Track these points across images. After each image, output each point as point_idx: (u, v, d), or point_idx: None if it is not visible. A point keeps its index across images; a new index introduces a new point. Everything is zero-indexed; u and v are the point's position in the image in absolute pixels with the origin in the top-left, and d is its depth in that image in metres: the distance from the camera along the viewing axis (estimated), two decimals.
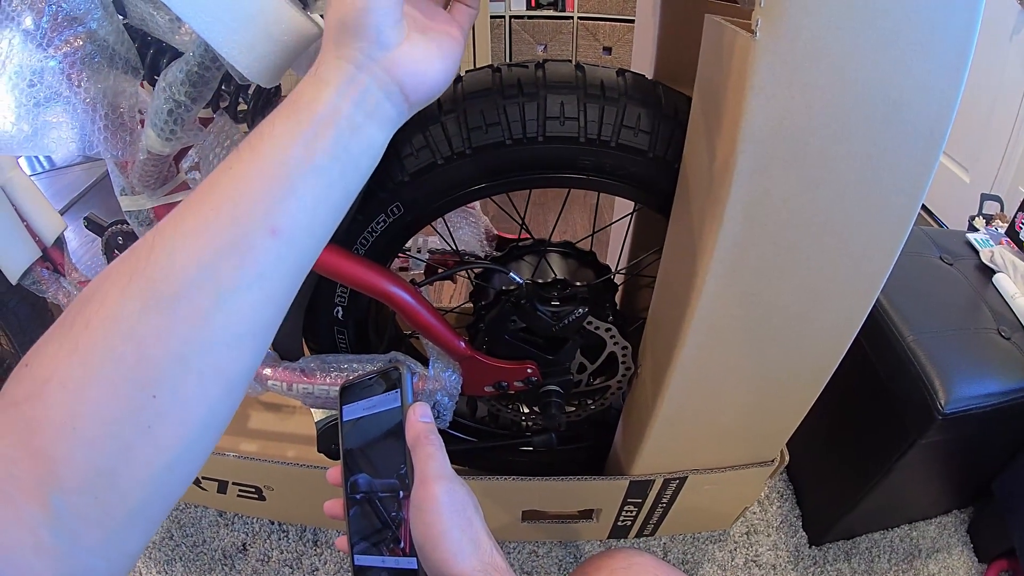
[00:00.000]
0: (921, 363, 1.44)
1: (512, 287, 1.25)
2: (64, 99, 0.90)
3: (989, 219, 2.08)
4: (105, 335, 0.53)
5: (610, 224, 1.96)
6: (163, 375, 0.54)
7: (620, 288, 1.55)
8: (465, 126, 1.03)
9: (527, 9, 4.54)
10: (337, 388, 1.01)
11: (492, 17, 4.42)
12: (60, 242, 1.55)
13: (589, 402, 1.46)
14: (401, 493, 0.86)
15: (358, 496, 0.91)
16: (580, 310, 1.22)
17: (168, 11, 0.87)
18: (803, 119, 0.79)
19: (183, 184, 1.23)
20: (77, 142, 0.94)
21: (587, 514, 1.72)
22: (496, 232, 1.63)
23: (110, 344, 0.53)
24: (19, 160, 1.53)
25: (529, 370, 1.30)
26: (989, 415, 1.40)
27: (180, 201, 0.60)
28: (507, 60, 4.45)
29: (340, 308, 1.24)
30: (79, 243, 3.14)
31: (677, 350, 1.12)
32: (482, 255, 1.58)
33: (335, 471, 0.95)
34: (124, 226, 1.59)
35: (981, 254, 1.77)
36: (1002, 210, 2.16)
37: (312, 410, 1.35)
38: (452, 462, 0.87)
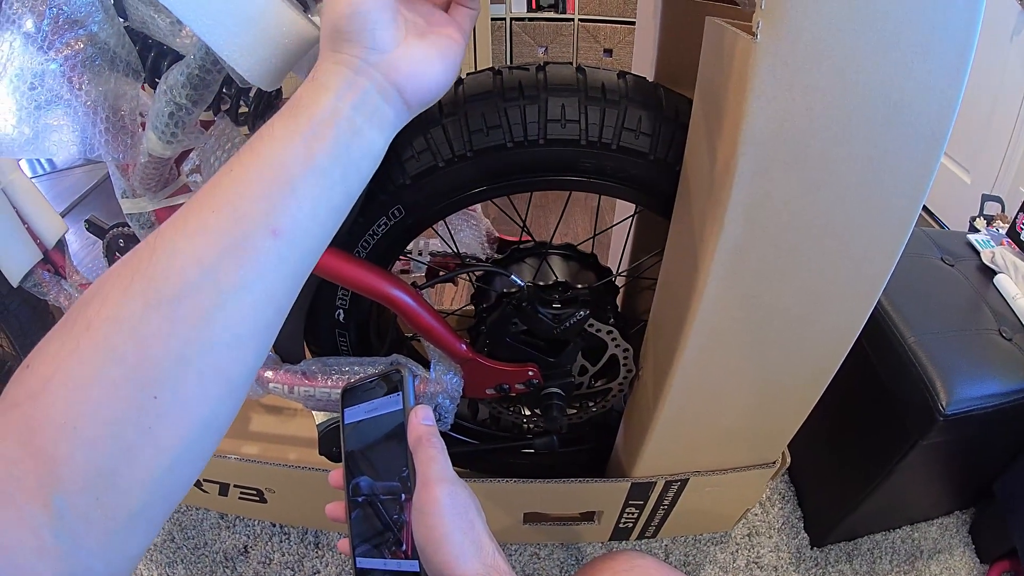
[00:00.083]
0: (922, 364, 1.44)
1: (513, 289, 1.25)
2: (65, 102, 0.90)
3: (990, 220, 2.08)
4: (106, 335, 0.53)
5: (611, 226, 1.96)
6: (164, 375, 0.54)
7: (621, 290, 1.55)
8: (466, 129, 1.03)
9: (528, 11, 4.54)
10: (338, 391, 1.01)
11: (493, 19, 4.42)
12: (61, 244, 1.56)
13: (590, 404, 1.46)
14: (403, 496, 0.86)
15: (360, 499, 0.91)
16: (581, 312, 1.22)
17: (169, 14, 0.87)
18: (804, 121, 0.79)
19: (184, 187, 1.23)
20: (78, 145, 0.94)
21: (589, 516, 1.72)
22: (497, 234, 1.63)
23: (111, 344, 0.53)
24: (20, 162, 1.53)
25: (530, 372, 1.29)
26: (990, 416, 1.40)
27: (181, 204, 0.60)
28: (508, 62, 4.48)
29: (341, 311, 1.24)
30: (80, 245, 3.14)
31: (678, 352, 1.12)
32: (483, 257, 1.58)
33: (337, 474, 0.95)
34: (125, 229, 1.59)
35: (982, 255, 1.77)
36: (1003, 211, 2.16)
37: (313, 413, 1.35)
38: (453, 464, 0.87)
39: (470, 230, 1.58)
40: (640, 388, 1.41)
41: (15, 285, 1.48)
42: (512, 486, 1.53)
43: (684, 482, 1.52)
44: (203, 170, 1.09)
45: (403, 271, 1.67)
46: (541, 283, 1.28)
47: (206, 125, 1.06)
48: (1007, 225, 1.87)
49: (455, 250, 1.53)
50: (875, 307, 1.04)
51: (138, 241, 0.60)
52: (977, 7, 0.69)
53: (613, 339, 1.29)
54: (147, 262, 0.55)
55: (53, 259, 1.53)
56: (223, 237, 0.57)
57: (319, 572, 1.77)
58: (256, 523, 1.87)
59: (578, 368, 1.36)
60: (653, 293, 1.28)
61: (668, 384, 1.18)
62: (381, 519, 0.88)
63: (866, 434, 1.63)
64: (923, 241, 1.83)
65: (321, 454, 1.32)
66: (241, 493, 1.72)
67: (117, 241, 1.61)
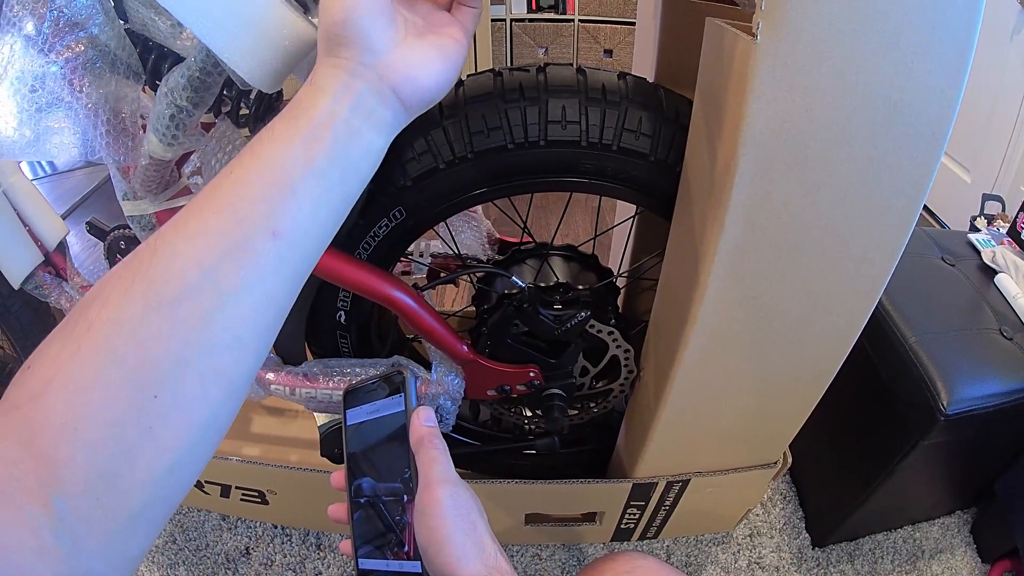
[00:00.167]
0: (923, 364, 1.44)
1: (514, 291, 1.25)
2: (66, 104, 0.91)
3: (991, 219, 2.08)
4: (107, 337, 0.53)
5: (612, 227, 1.96)
6: (165, 377, 0.54)
7: (622, 291, 1.55)
8: (467, 130, 1.03)
9: (528, 12, 4.54)
10: (340, 392, 1.01)
11: (493, 20, 4.42)
12: (62, 247, 1.56)
13: (592, 405, 1.46)
14: (405, 497, 0.86)
15: (362, 500, 0.91)
16: (582, 314, 1.22)
17: (170, 16, 0.87)
18: (804, 122, 0.79)
19: (185, 189, 1.24)
20: (79, 147, 0.94)
21: (590, 517, 1.72)
22: (498, 236, 1.63)
23: (112, 346, 0.53)
24: (21, 165, 1.53)
25: (532, 374, 1.30)
26: (991, 416, 1.40)
27: (183, 206, 0.60)
28: (508, 63, 4.48)
29: (343, 312, 1.24)
30: (81, 247, 3.14)
31: (679, 353, 1.12)
32: (484, 259, 1.58)
33: (339, 475, 0.96)
34: (126, 231, 1.59)
35: (983, 254, 1.77)
36: (1003, 210, 2.16)
37: (315, 414, 1.35)
38: (455, 465, 0.87)
39: (471, 231, 1.59)
40: (641, 389, 1.41)
41: (16, 287, 1.48)
42: (514, 487, 1.53)
43: (685, 483, 1.52)
44: (204, 172, 1.09)
45: (404, 273, 1.68)
46: (542, 284, 1.28)
47: (207, 127, 1.07)
48: (1008, 224, 1.87)
49: (456, 251, 1.53)
50: (876, 307, 1.04)
51: (139, 243, 0.60)
52: (977, 7, 0.69)
53: (614, 340, 1.29)
54: (147, 264, 0.56)
55: (54, 261, 1.53)
56: (223, 239, 0.57)
57: (321, 573, 1.77)
58: (258, 524, 1.87)
59: (579, 369, 1.36)
60: (654, 294, 1.28)
61: (669, 385, 1.19)
62: (383, 520, 0.89)
63: (867, 434, 1.63)
64: (924, 241, 1.83)
65: (323, 456, 1.32)
66: (243, 495, 1.72)
67: (118, 243, 1.61)
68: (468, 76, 1.07)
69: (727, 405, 1.26)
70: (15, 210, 1.41)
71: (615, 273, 1.39)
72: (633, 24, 4.30)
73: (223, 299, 0.57)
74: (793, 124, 0.79)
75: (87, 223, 1.65)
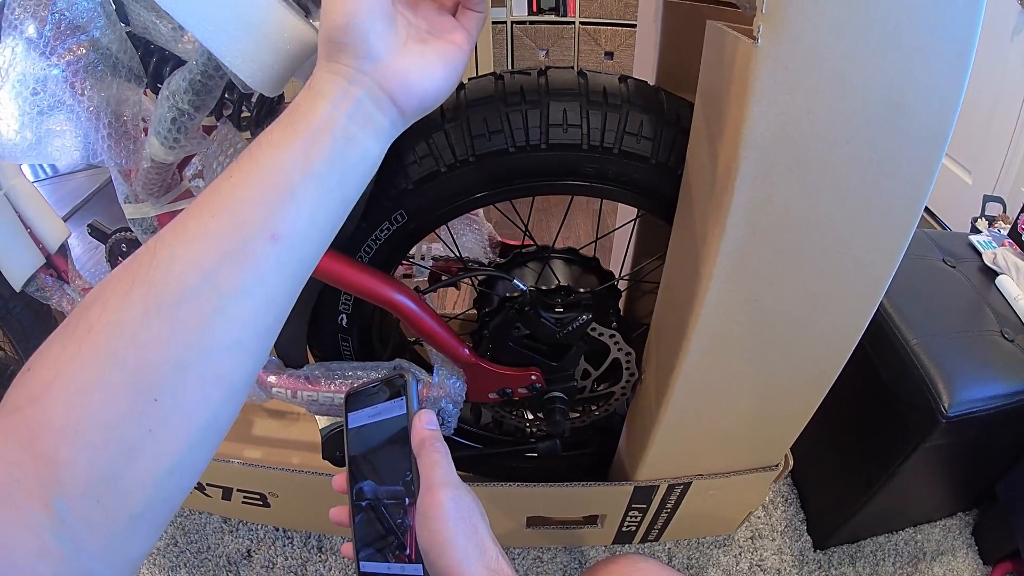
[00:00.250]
0: (924, 366, 1.44)
1: (516, 294, 1.25)
2: (67, 107, 0.91)
3: (991, 221, 2.08)
4: (107, 339, 0.53)
5: (613, 230, 1.96)
6: (165, 379, 0.55)
7: (623, 294, 1.55)
8: (468, 134, 1.03)
9: (529, 14, 4.55)
10: (341, 395, 1.01)
11: (494, 22, 4.44)
12: (64, 249, 1.56)
13: (593, 408, 1.46)
14: (407, 500, 0.86)
15: (364, 503, 0.91)
16: (584, 316, 1.22)
17: (171, 20, 0.87)
18: (805, 124, 0.79)
19: (187, 192, 1.24)
20: (81, 150, 0.94)
21: (592, 520, 1.72)
22: (499, 239, 1.63)
23: (112, 348, 0.53)
24: (22, 167, 1.53)
25: (533, 377, 1.30)
26: (993, 417, 1.40)
27: (184, 209, 0.60)
28: (509, 65, 4.48)
29: (344, 315, 1.24)
30: (83, 250, 3.14)
31: (681, 356, 1.12)
32: (486, 262, 1.58)
33: (341, 478, 0.96)
34: (128, 233, 1.59)
35: (984, 256, 1.77)
36: (1004, 211, 2.16)
37: (316, 417, 1.35)
38: (456, 468, 0.87)
39: (472, 234, 1.59)
40: (643, 392, 1.41)
41: (18, 290, 1.48)
42: (515, 490, 1.53)
43: (687, 485, 1.52)
44: (205, 175, 1.09)
45: (406, 275, 1.68)
46: (544, 287, 1.28)
47: (208, 130, 1.07)
48: (1008, 226, 1.87)
49: (457, 254, 1.54)
50: (877, 309, 1.04)
51: (141, 246, 0.60)
52: (977, 8, 0.69)
53: (616, 343, 1.29)
54: (147, 267, 0.56)
55: (56, 264, 1.53)
56: (223, 242, 0.57)
57: None
58: (259, 527, 1.87)
59: (581, 372, 1.36)
60: (655, 297, 1.28)
61: (671, 388, 1.19)
62: (385, 523, 0.89)
63: (868, 436, 1.63)
64: (925, 242, 1.83)
65: (324, 458, 1.32)
66: (244, 497, 1.72)
67: (120, 246, 1.61)
68: (469, 79, 1.07)
69: (729, 408, 1.26)
70: (17, 212, 1.41)
71: (616, 276, 1.39)
72: (634, 26, 4.30)
73: (223, 302, 0.57)
74: (794, 126, 0.79)
75: (89, 225, 1.65)
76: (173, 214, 1.21)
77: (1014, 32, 2.71)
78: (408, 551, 0.85)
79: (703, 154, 0.96)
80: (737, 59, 0.79)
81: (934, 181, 0.84)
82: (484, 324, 1.31)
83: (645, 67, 1.54)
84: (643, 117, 1.03)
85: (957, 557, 1.82)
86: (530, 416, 1.52)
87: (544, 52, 4.66)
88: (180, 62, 0.93)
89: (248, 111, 1.05)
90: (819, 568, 1.79)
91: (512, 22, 4.56)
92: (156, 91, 0.97)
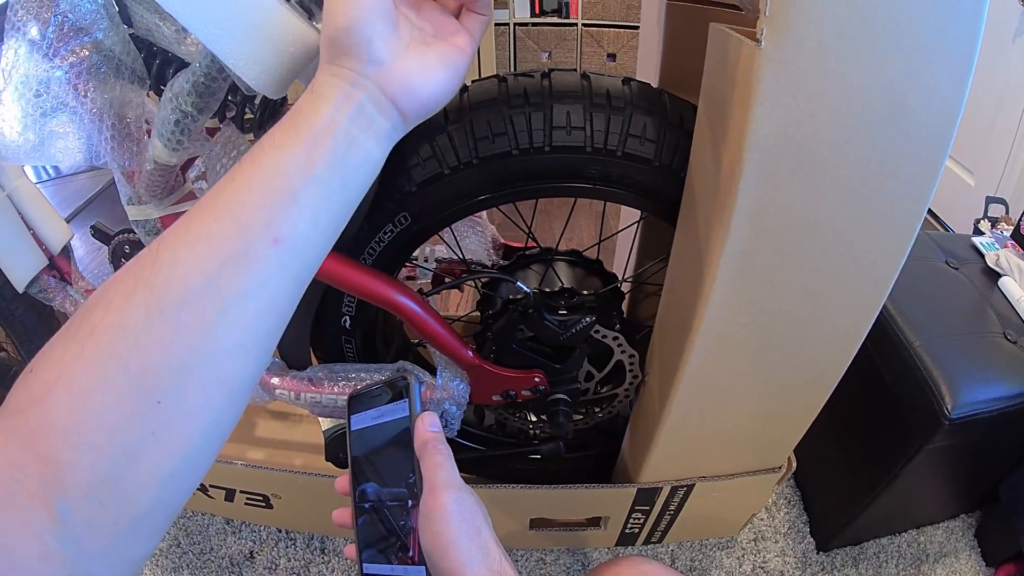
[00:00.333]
0: (927, 368, 1.44)
1: (519, 296, 1.25)
2: (70, 109, 0.91)
3: (994, 222, 2.08)
4: (110, 341, 0.53)
5: (616, 232, 1.96)
6: (168, 382, 0.55)
7: (626, 296, 1.55)
8: (471, 136, 1.03)
9: (531, 16, 4.55)
10: (344, 397, 1.01)
11: (496, 24, 4.44)
12: (67, 250, 1.56)
13: (596, 410, 1.46)
14: (410, 502, 0.86)
15: (367, 505, 0.91)
16: (587, 319, 1.22)
17: (174, 22, 0.87)
18: (808, 127, 0.79)
19: (190, 194, 1.24)
20: (83, 152, 0.94)
21: (595, 522, 1.72)
22: (503, 241, 1.63)
23: (115, 350, 0.53)
24: (25, 168, 1.54)
25: (537, 379, 1.30)
26: (996, 419, 1.40)
27: (187, 211, 0.61)
28: (512, 67, 4.48)
29: (347, 317, 1.24)
30: (85, 251, 3.14)
31: (684, 358, 1.12)
32: (489, 264, 1.58)
33: (343, 480, 0.96)
34: (131, 235, 1.59)
35: (987, 258, 1.77)
36: (1007, 213, 2.15)
37: (319, 419, 1.35)
38: (459, 470, 0.87)
39: (476, 236, 1.59)
40: (646, 394, 1.41)
41: (21, 291, 1.48)
42: (518, 492, 1.53)
43: (690, 487, 1.52)
44: (209, 177, 1.09)
45: (409, 277, 1.68)
46: (547, 290, 1.28)
47: (212, 132, 1.07)
48: (1011, 227, 1.87)
49: (461, 256, 1.54)
50: (880, 311, 1.04)
51: (143, 248, 0.60)
52: (980, 11, 0.69)
53: (619, 345, 1.29)
54: (149, 270, 0.56)
55: (58, 265, 1.53)
56: (225, 245, 0.57)
57: None
58: (262, 528, 1.87)
59: (584, 374, 1.36)
60: (658, 299, 1.28)
61: (674, 389, 1.19)
62: (387, 525, 0.89)
63: (871, 438, 1.63)
64: (927, 244, 1.83)
65: (327, 460, 1.32)
66: (247, 499, 1.72)
67: (123, 247, 1.61)
68: (473, 81, 1.07)
69: (732, 410, 1.26)
70: (20, 214, 1.42)
71: (620, 278, 1.39)
72: (636, 28, 4.30)
73: (225, 305, 0.57)
74: (798, 129, 0.79)
75: (92, 227, 1.65)
76: (176, 216, 1.21)
77: (1016, 33, 2.70)
78: (411, 553, 0.85)
79: (706, 156, 0.96)
80: (740, 62, 0.79)
81: (937, 183, 0.84)
82: (487, 326, 1.31)
83: (648, 69, 1.54)
84: (646, 119, 1.04)
85: (960, 559, 1.82)
86: (533, 418, 1.52)
87: (546, 54, 4.67)
88: (183, 64, 0.93)
89: (251, 113, 1.05)
90: (822, 570, 1.79)
91: (514, 24, 4.57)
92: (159, 93, 0.97)
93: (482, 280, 1.50)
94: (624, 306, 1.49)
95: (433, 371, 1.30)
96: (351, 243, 1.11)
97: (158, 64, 0.97)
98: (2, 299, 1.57)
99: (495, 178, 1.07)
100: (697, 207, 1.03)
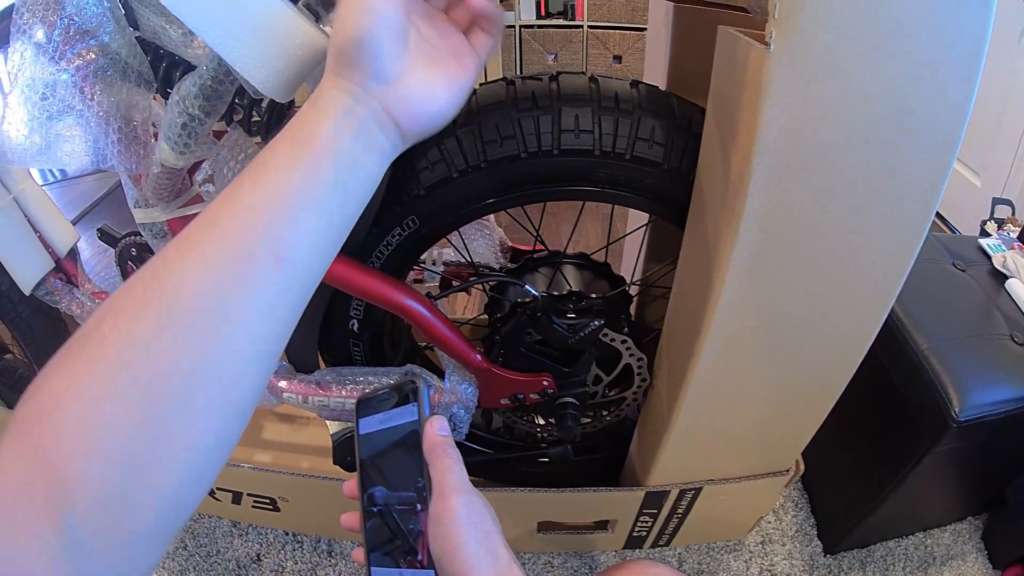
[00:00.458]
0: (935, 370, 1.43)
1: (527, 299, 1.25)
2: (77, 112, 0.91)
3: (1001, 224, 2.08)
4: (119, 351, 0.54)
5: (625, 236, 1.96)
6: (176, 395, 0.55)
7: (635, 300, 1.55)
8: (480, 139, 1.03)
9: (537, 18, 4.55)
10: (352, 401, 1.01)
11: None
12: (73, 253, 1.56)
13: (604, 413, 1.46)
14: (418, 506, 0.86)
15: (375, 509, 0.91)
16: (596, 322, 1.22)
17: (181, 25, 0.87)
18: (817, 129, 0.78)
19: (197, 197, 1.24)
20: (90, 155, 0.95)
21: (602, 525, 1.72)
22: (510, 244, 1.63)
23: (124, 359, 0.53)
24: (31, 170, 1.54)
25: (545, 382, 1.29)
26: (1003, 422, 1.40)
27: (194, 214, 0.61)
28: (517, 69, 4.48)
29: (355, 321, 1.24)
30: (92, 253, 3.15)
31: (693, 361, 1.12)
32: (497, 267, 1.58)
33: (352, 484, 0.96)
34: (138, 238, 1.59)
35: (993, 259, 1.77)
36: (1013, 214, 2.16)
37: (327, 422, 1.35)
38: (467, 473, 0.87)
39: (483, 239, 1.59)
40: (654, 397, 1.40)
41: (27, 293, 1.48)
42: (526, 495, 1.53)
43: (698, 491, 1.51)
44: (216, 180, 1.09)
45: (417, 281, 1.68)
46: (555, 293, 1.28)
47: (218, 135, 1.07)
48: (1018, 229, 1.87)
49: (469, 260, 1.53)
50: (888, 313, 1.04)
51: (150, 250, 0.61)
52: (987, 13, 0.69)
53: (627, 348, 1.29)
54: (157, 280, 0.57)
55: (65, 267, 1.54)
56: (228, 265, 0.58)
57: None
58: (269, 531, 1.87)
59: (592, 377, 1.36)
60: (666, 302, 1.28)
61: (682, 393, 1.18)
62: (396, 529, 0.89)
63: (879, 440, 1.63)
64: (934, 246, 1.82)
65: (335, 463, 1.32)
66: (254, 501, 1.72)
67: (129, 250, 1.61)
68: (481, 85, 1.07)
69: (740, 413, 1.26)
70: (26, 216, 1.42)
71: (628, 281, 1.39)
72: (641, 30, 4.31)
73: (230, 323, 0.58)
74: (806, 132, 0.79)
75: (98, 230, 1.65)
76: (183, 219, 1.21)
77: (1022, 34, 2.70)
78: (420, 556, 0.85)
79: (715, 159, 0.96)
80: (749, 65, 0.79)
81: (945, 185, 0.84)
82: (496, 329, 1.31)
83: (655, 72, 1.54)
84: (655, 122, 1.03)
85: (967, 561, 1.81)
86: (541, 421, 1.52)
87: (552, 56, 4.66)
88: (190, 67, 0.94)
89: (258, 116, 1.05)
90: (829, 573, 1.78)
91: (520, 26, 4.56)
92: (166, 96, 0.97)
93: (490, 283, 1.50)
94: (632, 309, 1.49)
95: (441, 375, 1.30)
96: (359, 247, 1.11)
97: (165, 67, 0.97)
98: (9, 301, 1.57)
99: (503, 181, 1.07)
100: (706, 210, 1.02)
